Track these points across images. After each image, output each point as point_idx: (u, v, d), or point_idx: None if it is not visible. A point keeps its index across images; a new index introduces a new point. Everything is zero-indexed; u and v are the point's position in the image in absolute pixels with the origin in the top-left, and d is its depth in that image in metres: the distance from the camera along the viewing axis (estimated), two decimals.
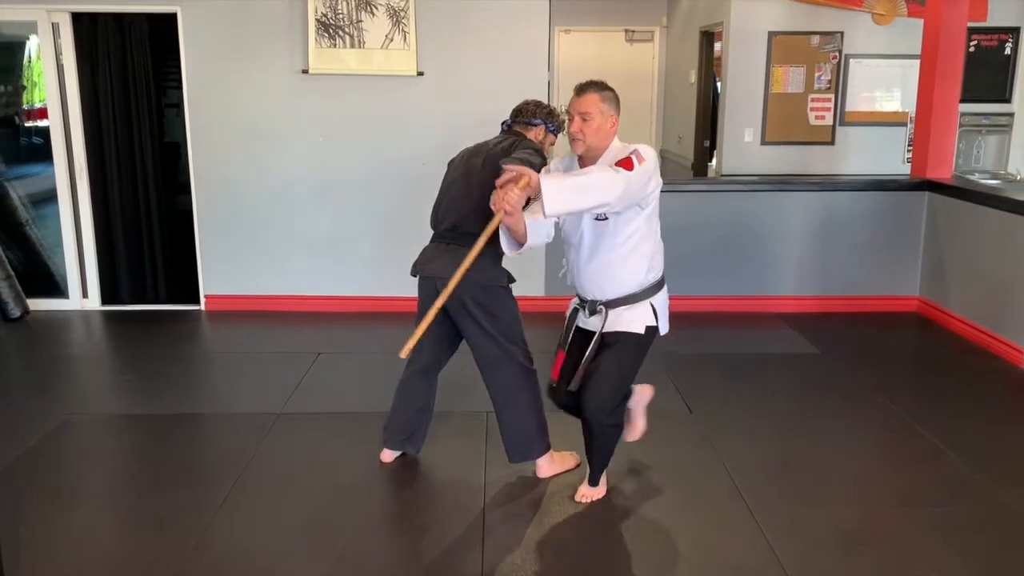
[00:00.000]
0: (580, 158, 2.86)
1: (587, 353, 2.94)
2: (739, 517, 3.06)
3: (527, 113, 3.25)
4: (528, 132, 3.24)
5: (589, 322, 3.01)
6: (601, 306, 2.93)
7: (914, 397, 4.25)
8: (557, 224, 2.96)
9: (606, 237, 2.86)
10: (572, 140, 2.82)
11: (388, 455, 3.42)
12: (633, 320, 2.91)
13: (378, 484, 3.33)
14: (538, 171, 2.72)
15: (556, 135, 3.31)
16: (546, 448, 3.28)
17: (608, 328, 2.92)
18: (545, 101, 3.44)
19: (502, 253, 2.98)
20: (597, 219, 2.84)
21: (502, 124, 3.32)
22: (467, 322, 3.10)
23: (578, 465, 3.36)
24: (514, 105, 3.34)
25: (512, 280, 3.18)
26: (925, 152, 5.68)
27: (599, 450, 3.07)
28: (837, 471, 3.46)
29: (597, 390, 2.89)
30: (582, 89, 2.82)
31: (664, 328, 3.02)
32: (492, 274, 3.08)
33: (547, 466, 3.30)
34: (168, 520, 3.03)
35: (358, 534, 2.96)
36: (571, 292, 3.11)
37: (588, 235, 2.89)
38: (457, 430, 3.73)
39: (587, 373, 2.93)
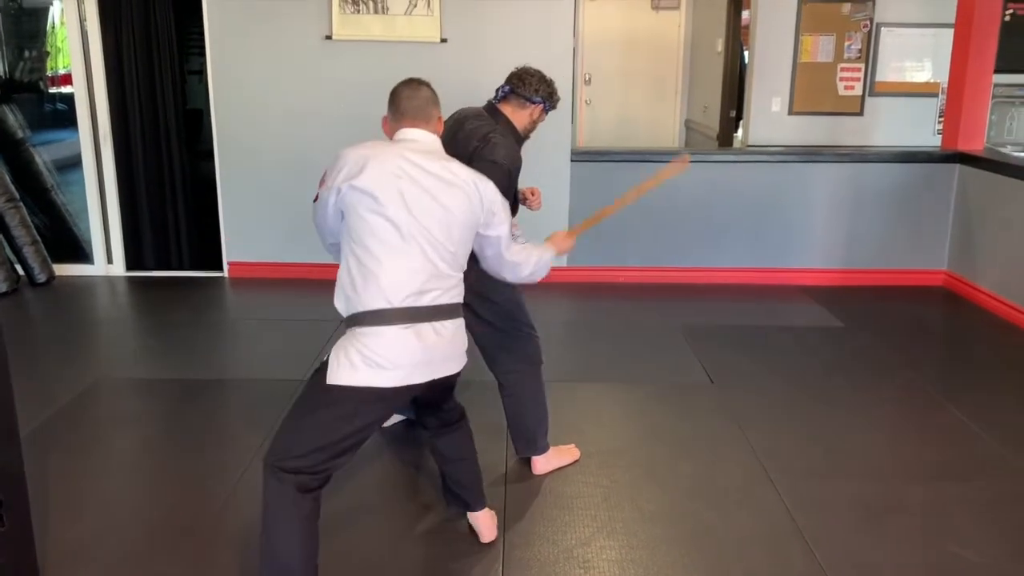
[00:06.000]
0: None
1: None
2: (760, 489, 3.05)
3: (529, 87, 2.96)
4: (523, 109, 2.97)
5: None
6: None
7: (941, 372, 4.20)
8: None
9: None
10: None
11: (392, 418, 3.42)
12: None
13: (397, 447, 3.36)
14: (502, 190, 2.51)
15: (548, 113, 3.08)
16: (545, 447, 3.18)
17: None
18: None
19: None
20: None
21: (498, 90, 3.04)
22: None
23: (576, 460, 3.26)
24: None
25: None
26: (957, 123, 5.58)
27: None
28: (861, 445, 3.43)
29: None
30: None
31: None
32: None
33: (543, 463, 3.19)
34: (196, 481, 3.08)
35: (378, 494, 2.98)
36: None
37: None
38: (475, 401, 3.73)
39: None
